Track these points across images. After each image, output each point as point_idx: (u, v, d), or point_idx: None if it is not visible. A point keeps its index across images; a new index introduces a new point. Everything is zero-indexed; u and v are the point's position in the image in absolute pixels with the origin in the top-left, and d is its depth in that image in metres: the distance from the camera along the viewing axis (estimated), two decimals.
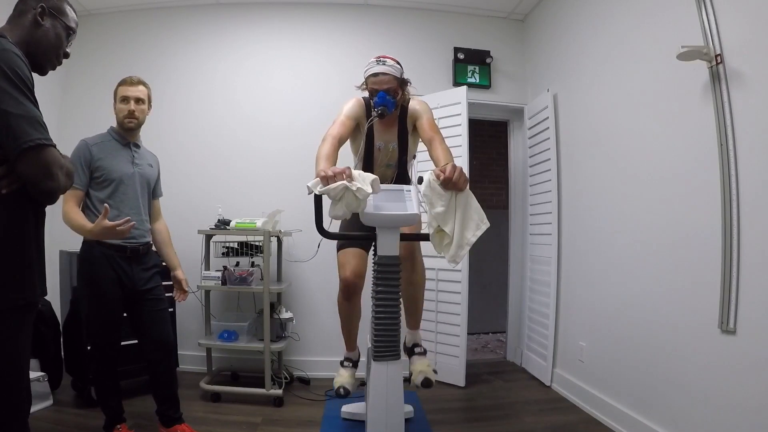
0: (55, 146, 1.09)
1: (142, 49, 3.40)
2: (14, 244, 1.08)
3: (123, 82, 2.07)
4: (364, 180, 1.59)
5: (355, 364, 2.26)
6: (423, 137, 2.03)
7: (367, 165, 2.15)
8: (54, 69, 1.24)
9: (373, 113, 1.96)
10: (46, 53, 1.19)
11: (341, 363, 2.26)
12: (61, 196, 1.22)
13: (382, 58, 1.99)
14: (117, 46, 3.39)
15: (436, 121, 2.11)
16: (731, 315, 1.71)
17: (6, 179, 1.04)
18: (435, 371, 2.09)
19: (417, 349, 2.18)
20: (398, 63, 2.02)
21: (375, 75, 1.96)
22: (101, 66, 3.37)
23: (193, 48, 3.42)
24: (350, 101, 2.08)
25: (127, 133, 2.10)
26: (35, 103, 1.06)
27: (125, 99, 2.04)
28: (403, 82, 2.03)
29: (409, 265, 2.06)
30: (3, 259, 1.05)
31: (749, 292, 1.67)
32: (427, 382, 2.01)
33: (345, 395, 2.12)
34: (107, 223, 1.73)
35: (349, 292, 2.06)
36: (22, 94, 1.02)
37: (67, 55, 1.25)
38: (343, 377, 2.16)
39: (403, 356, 1.94)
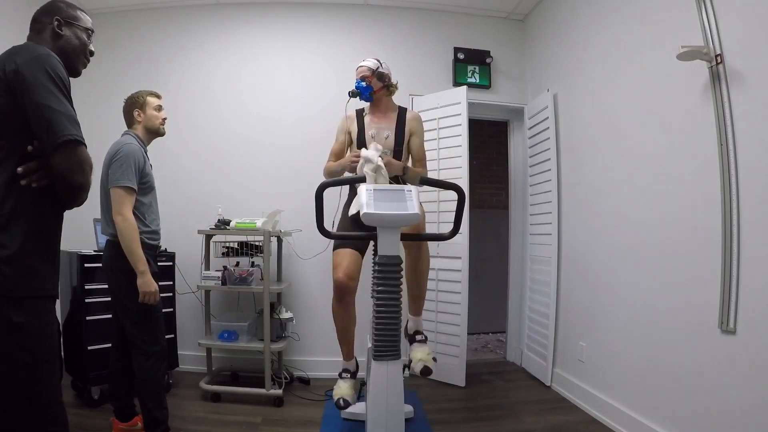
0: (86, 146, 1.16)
1: (142, 49, 3.40)
2: (44, 237, 1.16)
3: (152, 94, 2.16)
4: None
5: (353, 375, 2.24)
6: (414, 153, 2.34)
7: None
8: (85, 68, 1.38)
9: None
10: (75, 58, 1.30)
11: (339, 375, 2.24)
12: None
13: (369, 58, 2.29)
14: (117, 45, 3.39)
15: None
16: (731, 315, 1.71)
17: (37, 173, 1.10)
18: (434, 359, 2.08)
19: (418, 337, 2.18)
20: (380, 62, 2.27)
21: (358, 67, 2.29)
22: (102, 66, 3.36)
23: (194, 48, 3.42)
24: (339, 120, 2.38)
25: (153, 138, 2.16)
26: (73, 106, 1.15)
27: (160, 107, 2.17)
28: (380, 76, 2.24)
29: (415, 251, 2.09)
30: (37, 250, 1.13)
31: (749, 291, 1.67)
32: (426, 370, 2.01)
33: (345, 407, 2.14)
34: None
35: (340, 293, 2.08)
36: (64, 96, 1.11)
37: (92, 53, 1.39)
38: (342, 389, 2.15)
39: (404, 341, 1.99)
